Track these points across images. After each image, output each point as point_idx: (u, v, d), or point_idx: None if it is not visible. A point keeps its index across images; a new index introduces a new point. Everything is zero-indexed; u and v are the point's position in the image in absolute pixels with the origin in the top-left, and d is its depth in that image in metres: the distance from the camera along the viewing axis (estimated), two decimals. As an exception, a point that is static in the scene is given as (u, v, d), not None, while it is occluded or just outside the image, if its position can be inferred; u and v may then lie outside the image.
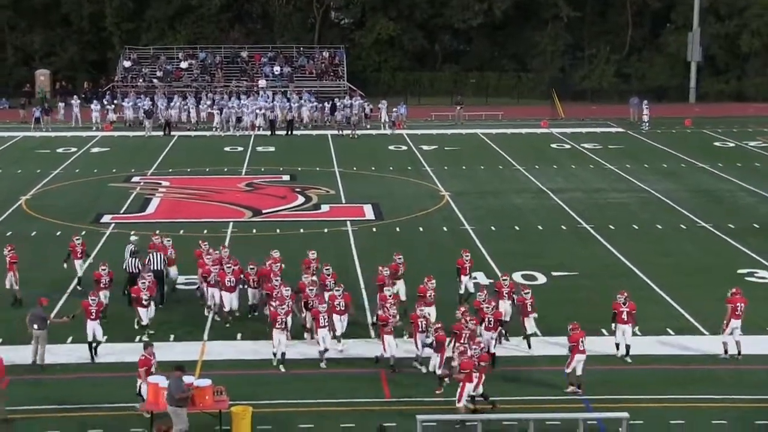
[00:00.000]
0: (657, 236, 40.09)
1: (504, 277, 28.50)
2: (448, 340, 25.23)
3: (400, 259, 30.88)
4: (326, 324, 26.31)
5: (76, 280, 32.38)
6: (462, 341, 24.85)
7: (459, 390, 23.29)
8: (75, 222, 41.35)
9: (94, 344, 26.45)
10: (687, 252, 37.86)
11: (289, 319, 26.77)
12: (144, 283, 28.17)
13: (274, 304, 26.99)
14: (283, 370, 25.87)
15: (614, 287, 29.20)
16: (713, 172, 53.12)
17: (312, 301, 27.39)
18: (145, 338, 27.17)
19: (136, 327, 28.23)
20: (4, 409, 23.00)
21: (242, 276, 29.85)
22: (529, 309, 27.30)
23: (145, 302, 27.97)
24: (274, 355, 26.22)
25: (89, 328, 26.33)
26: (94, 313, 26.39)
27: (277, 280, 28.65)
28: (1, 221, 41.71)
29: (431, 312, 27.35)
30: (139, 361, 23.41)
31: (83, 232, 39.37)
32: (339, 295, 27.72)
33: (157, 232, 34.36)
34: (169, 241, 32.73)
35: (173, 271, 32.11)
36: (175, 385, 21.70)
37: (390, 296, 27.61)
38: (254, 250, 34.03)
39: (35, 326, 26.14)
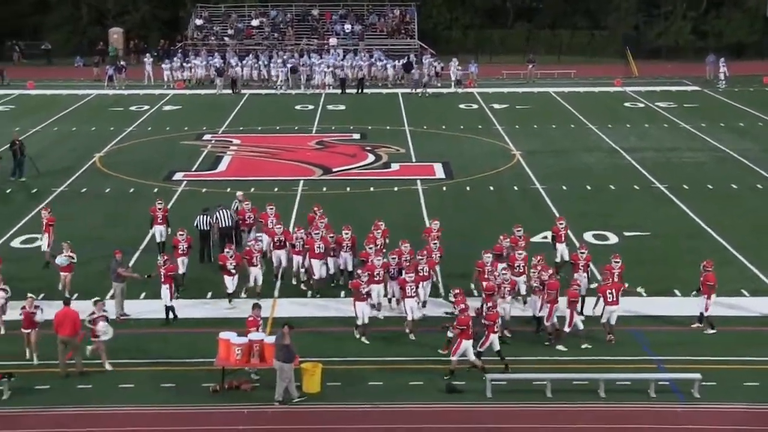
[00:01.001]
0: (732, 196, 39.42)
1: (582, 250, 27.72)
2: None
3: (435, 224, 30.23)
4: (414, 294, 25.65)
5: (158, 247, 31.43)
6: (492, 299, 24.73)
7: (454, 346, 23.16)
8: (147, 179, 41.74)
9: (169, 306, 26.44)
10: (762, 212, 37.12)
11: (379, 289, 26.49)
12: (229, 252, 27.61)
13: (360, 272, 26.14)
14: (366, 342, 25.22)
15: (687, 248, 28.86)
16: (791, 132, 52.11)
17: (393, 270, 26.88)
18: (231, 306, 27.22)
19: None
20: (81, 362, 23.40)
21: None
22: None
23: (232, 270, 27.39)
24: (357, 327, 25.46)
25: (164, 290, 26.40)
26: (164, 277, 26.29)
27: (370, 248, 27.68)
28: (75, 178, 42.23)
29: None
30: (248, 321, 23.44)
31: (155, 189, 39.87)
32: (423, 261, 27.10)
33: (241, 193, 33.85)
34: (248, 204, 32.22)
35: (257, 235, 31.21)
36: (280, 340, 21.97)
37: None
38: (324, 209, 33.98)
39: (112, 279, 26.72)
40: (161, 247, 31.17)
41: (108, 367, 23.29)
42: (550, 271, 25.85)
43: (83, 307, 24.30)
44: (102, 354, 23.48)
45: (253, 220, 31.51)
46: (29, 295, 24.74)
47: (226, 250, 28.02)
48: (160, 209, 32.04)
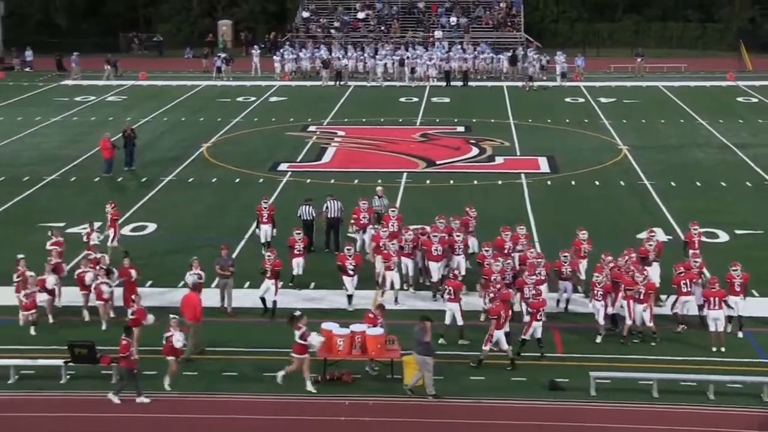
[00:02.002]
0: None
1: (694, 227, 27.08)
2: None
3: (473, 212, 29.89)
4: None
5: (262, 247, 30.60)
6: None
7: (488, 334, 23.07)
8: (253, 170, 42.13)
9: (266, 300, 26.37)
10: None
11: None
12: (350, 250, 27.01)
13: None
14: (466, 342, 24.67)
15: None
16: None
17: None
18: (351, 308, 26.55)
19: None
20: (201, 342, 23.80)
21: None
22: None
23: (350, 271, 26.68)
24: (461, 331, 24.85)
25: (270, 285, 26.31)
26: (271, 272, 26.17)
27: (486, 251, 26.89)
28: (183, 168, 42.82)
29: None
30: (366, 317, 23.35)
31: (261, 180, 40.21)
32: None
33: (381, 189, 33.56)
34: (384, 199, 31.99)
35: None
36: (420, 334, 21.98)
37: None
38: (427, 202, 33.91)
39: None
40: (266, 246, 30.11)
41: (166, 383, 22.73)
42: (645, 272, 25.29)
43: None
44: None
45: (368, 221, 30.59)
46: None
47: (346, 248, 27.26)
48: (265, 208, 31.49)
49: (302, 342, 22.10)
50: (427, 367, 21.84)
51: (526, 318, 24.36)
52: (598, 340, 24.61)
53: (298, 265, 28.28)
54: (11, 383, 22.51)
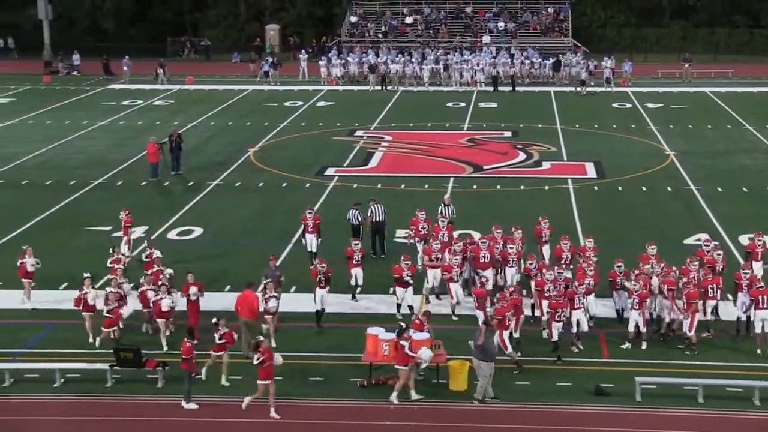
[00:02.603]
0: None
1: (759, 238, 27.00)
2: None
3: (545, 223, 29.43)
4: (581, 305, 24.65)
5: (309, 257, 30.50)
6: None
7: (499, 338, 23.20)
8: (301, 174, 42.40)
9: (319, 311, 26.28)
10: None
11: None
12: (407, 263, 26.51)
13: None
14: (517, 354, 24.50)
15: None
16: None
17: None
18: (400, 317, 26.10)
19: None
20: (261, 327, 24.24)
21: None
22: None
23: (404, 282, 26.37)
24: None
25: (318, 294, 26.23)
26: (324, 281, 26.10)
27: (530, 263, 26.72)
28: (230, 172, 43.17)
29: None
30: (413, 323, 23.28)
31: (307, 185, 40.47)
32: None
33: (448, 197, 33.56)
34: (423, 215, 31.18)
35: None
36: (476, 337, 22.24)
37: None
38: (474, 207, 33.87)
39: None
40: (313, 257, 29.94)
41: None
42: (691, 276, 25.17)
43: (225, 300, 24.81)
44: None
45: (426, 232, 29.95)
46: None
47: (403, 262, 26.67)
48: (310, 217, 30.94)
49: (411, 354, 22.03)
50: (480, 372, 21.98)
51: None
52: (644, 346, 24.57)
53: (357, 275, 27.91)
54: (56, 387, 22.82)
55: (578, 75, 64.70)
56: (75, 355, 24.23)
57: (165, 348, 24.52)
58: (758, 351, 24.15)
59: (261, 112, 58.11)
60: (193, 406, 21.75)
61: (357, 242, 28.52)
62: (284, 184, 41.07)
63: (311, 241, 30.90)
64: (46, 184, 41.28)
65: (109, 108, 59.47)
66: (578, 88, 63.09)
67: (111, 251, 28.46)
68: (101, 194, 39.94)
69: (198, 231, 34.73)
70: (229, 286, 28.06)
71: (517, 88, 64.79)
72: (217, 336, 22.68)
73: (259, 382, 21.39)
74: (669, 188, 40.00)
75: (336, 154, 46.74)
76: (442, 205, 31.99)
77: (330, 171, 43.26)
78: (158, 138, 43.36)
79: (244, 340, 23.92)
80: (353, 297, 27.98)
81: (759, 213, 36.22)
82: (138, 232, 32.77)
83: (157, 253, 27.83)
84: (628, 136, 50.14)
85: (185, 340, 22.02)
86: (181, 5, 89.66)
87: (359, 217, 31.62)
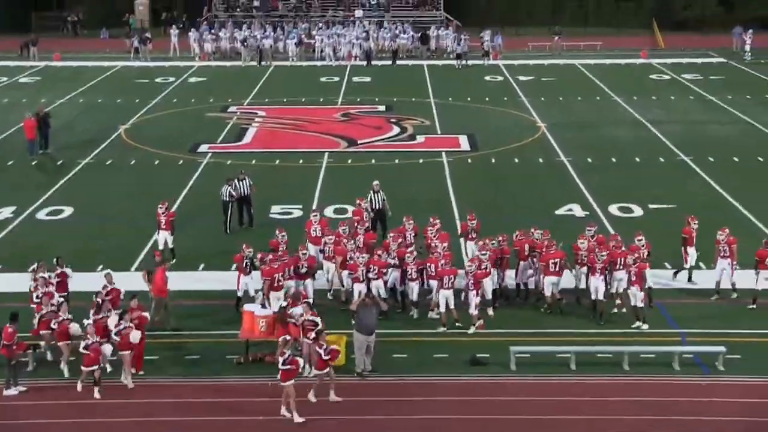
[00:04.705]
0: (758, 169, 39.15)
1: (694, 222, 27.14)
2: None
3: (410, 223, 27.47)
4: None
5: (170, 255, 28.41)
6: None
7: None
8: (173, 151, 41.82)
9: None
10: (790, 185, 36.90)
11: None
12: (304, 253, 25.19)
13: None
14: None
15: (713, 221, 28.62)
16: (819, 104, 51.66)
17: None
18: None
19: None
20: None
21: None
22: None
23: (302, 271, 24.99)
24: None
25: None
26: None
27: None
28: (101, 150, 42.33)
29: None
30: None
31: (180, 162, 39.98)
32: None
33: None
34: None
35: None
36: None
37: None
38: (350, 181, 33.87)
39: None
40: (171, 254, 28.29)
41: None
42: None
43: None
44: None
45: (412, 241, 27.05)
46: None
47: (301, 252, 25.24)
48: (163, 214, 28.66)
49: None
50: (356, 344, 22.20)
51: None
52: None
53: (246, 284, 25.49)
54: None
55: (448, 48, 64.96)
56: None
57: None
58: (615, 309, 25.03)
59: (132, 88, 57.03)
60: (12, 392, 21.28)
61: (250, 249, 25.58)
62: (156, 162, 40.47)
63: (164, 238, 28.58)
64: None
65: (-29, 86, 57.78)
66: (456, 62, 63.52)
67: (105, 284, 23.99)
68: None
69: (68, 210, 33.98)
70: (101, 266, 27.49)
71: (397, 62, 64.88)
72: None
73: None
74: (541, 160, 40.64)
75: (209, 130, 46.20)
76: (371, 192, 30.07)
77: (203, 148, 42.77)
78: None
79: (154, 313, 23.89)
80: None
81: (626, 183, 37.10)
82: (6, 212, 31.95)
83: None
84: (501, 109, 50.75)
85: (7, 325, 21.53)
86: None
87: (230, 193, 31.32)
